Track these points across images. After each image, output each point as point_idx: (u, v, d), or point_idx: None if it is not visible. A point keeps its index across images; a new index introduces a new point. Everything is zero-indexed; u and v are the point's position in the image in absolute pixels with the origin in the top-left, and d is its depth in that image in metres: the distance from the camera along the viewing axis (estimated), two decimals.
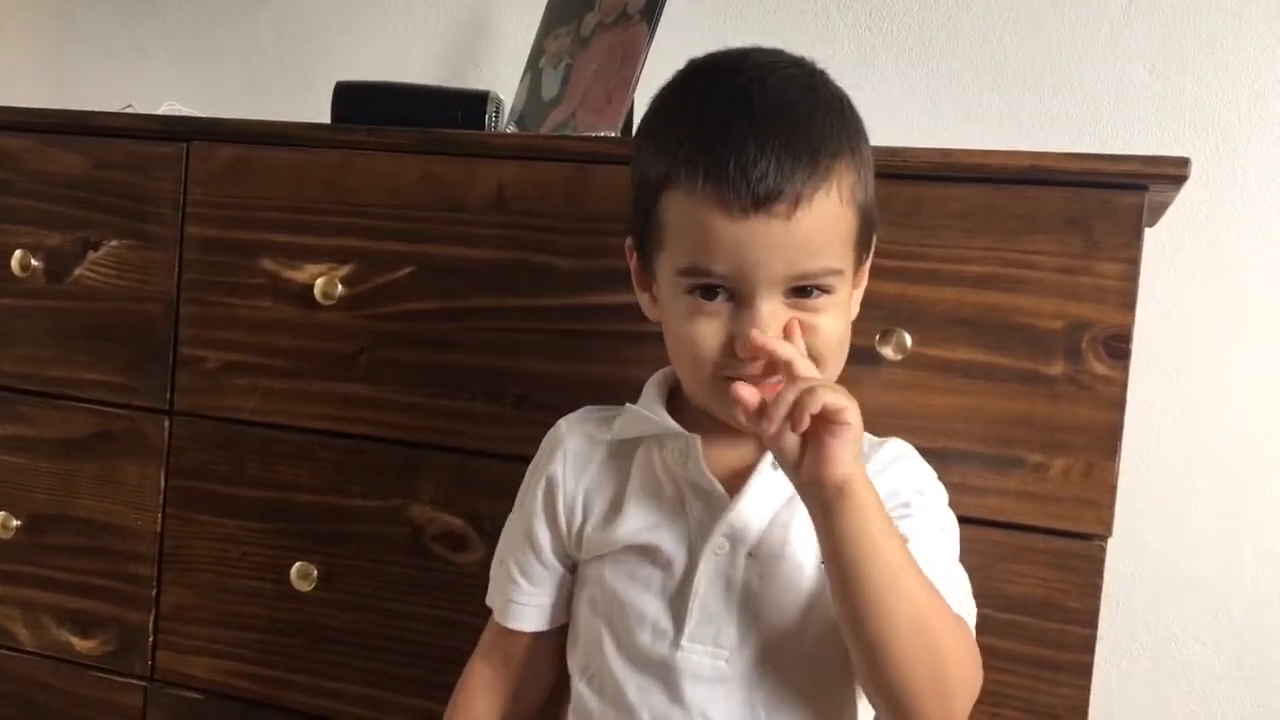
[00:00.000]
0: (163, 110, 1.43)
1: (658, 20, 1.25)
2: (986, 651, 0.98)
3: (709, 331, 0.81)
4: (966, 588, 0.85)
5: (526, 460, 1.09)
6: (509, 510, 1.09)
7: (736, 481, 0.85)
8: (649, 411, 0.88)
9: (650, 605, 0.85)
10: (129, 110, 1.38)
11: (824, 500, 0.75)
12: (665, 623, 0.85)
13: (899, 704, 0.76)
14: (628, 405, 0.90)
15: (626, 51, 1.25)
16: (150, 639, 1.23)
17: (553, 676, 0.96)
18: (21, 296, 1.27)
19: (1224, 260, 1.31)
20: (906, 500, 0.84)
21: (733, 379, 0.79)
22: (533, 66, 1.39)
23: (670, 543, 0.85)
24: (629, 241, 0.90)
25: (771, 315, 0.79)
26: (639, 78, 1.22)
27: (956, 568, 0.85)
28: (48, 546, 1.27)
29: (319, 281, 1.15)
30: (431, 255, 1.13)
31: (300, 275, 1.17)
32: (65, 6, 1.84)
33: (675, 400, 0.90)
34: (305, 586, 1.16)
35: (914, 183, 1.01)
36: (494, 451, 1.11)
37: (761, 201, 0.77)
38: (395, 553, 1.14)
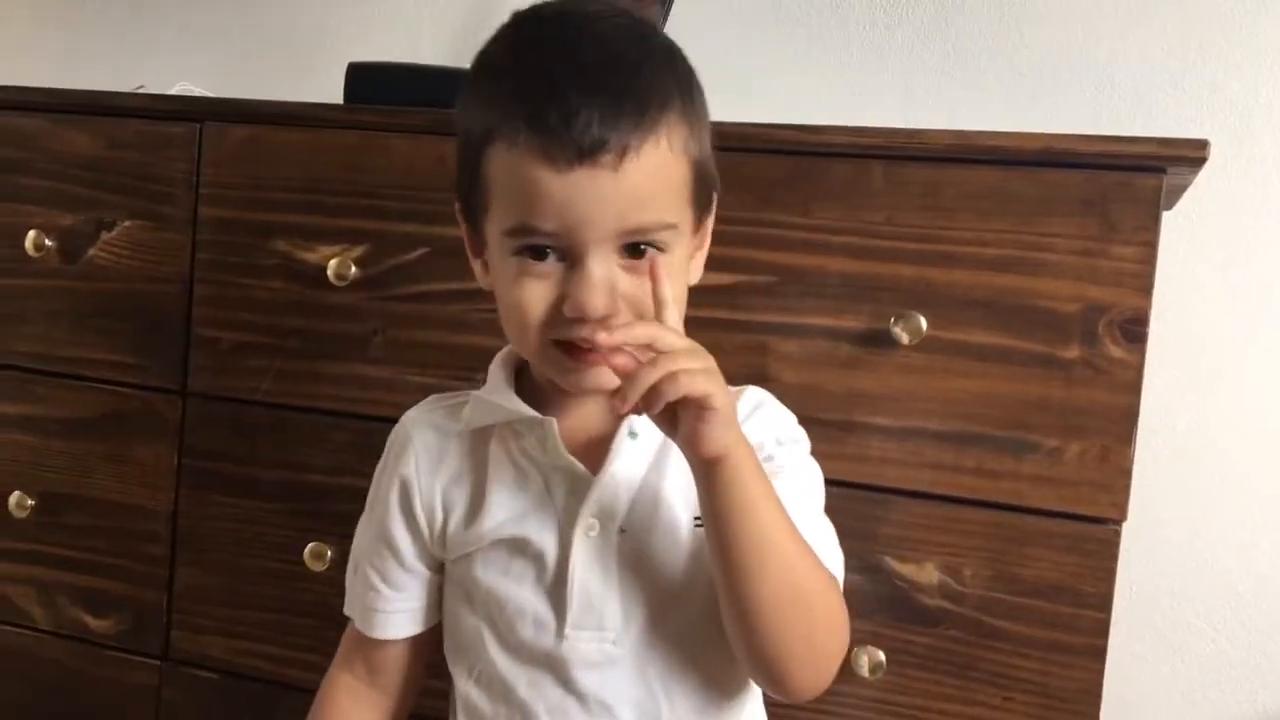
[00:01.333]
0: (175, 91, 1.43)
1: (670, 2, 1.25)
2: (1003, 635, 0.99)
3: (537, 293, 0.75)
4: (834, 540, 0.83)
5: None
6: None
7: (597, 453, 0.80)
8: (497, 397, 0.82)
9: (528, 599, 0.81)
10: (141, 90, 1.37)
11: (698, 468, 0.73)
12: (546, 614, 0.81)
13: (772, 668, 0.75)
14: (473, 392, 0.85)
15: None
16: (165, 618, 1.24)
17: (420, 677, 0.92)
18: (35, 277, 1.27)
19: (1242, 244, 1.30)
20: (769, 454, 0.81)
21: (561, 342, 0.75)
22: None
23: (539, 532, 0.81)
24: (457, 206, 0.83)
25: (604, 274, 0.73)
26: None
27: (823, 520, 0.83)
28: (62, 526, 1.28)
29: (332, 262, 1.15)
30: (445, 237, 1.13)
31: (313, 256, 1.17)
32: None
33: (523, 378, 0.85)
34: (319, 566, 1.16)
35: (930, 165, 1.00)
36: None
37: (586, 152, 0.71)
38: None
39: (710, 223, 0.82)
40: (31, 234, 1.25)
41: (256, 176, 1.19)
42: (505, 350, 0.88)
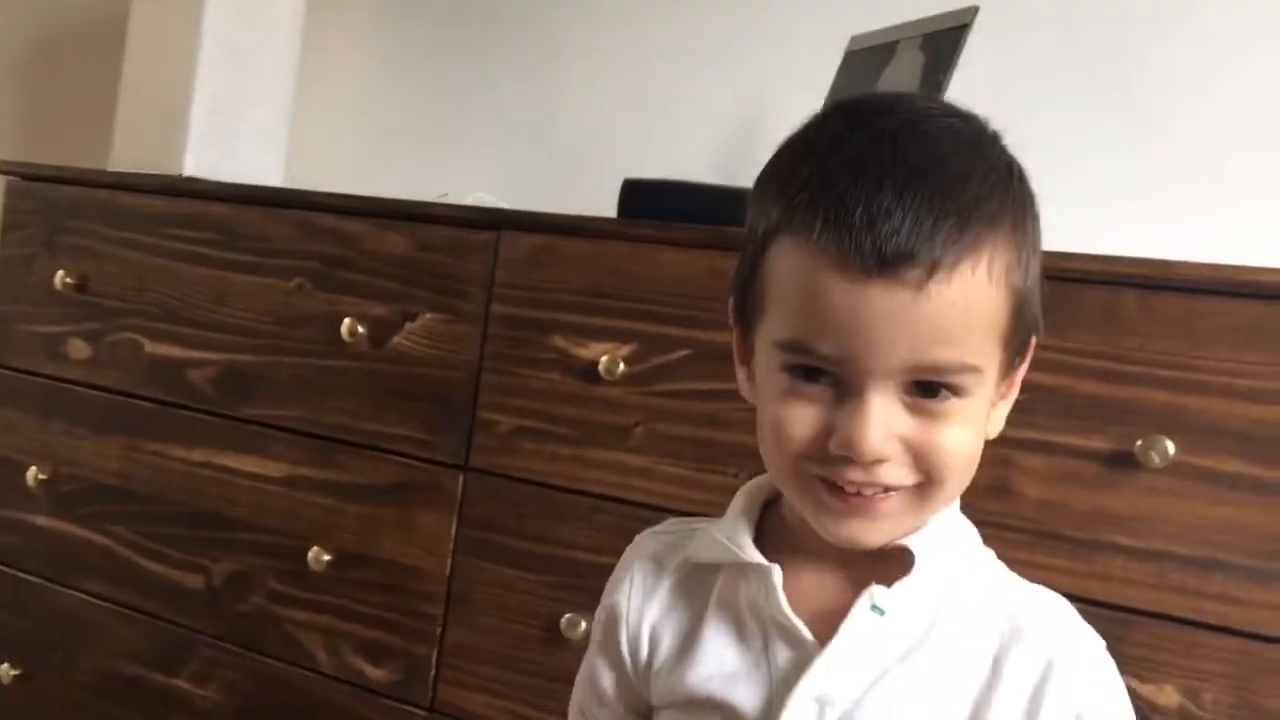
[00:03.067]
0: (471, 200, 1.61)
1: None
2: None
3: (802, 415, 0.65)
4: None
5: None
6: None
7: (835, 622, 0.69)
8: (727, 533, 0.73)
9: None
10: (444, 199, 1.56)
11: None
12: None
13: None
14: (704, 522, 0.77)
15: None
16: (434, 672, 1.37)
17: None
18: (346, 358, 1.45)
19: None
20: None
21: (823, 479, 0.66)
22: None
23: (748, 698, 0.70)
24: (731, 305, 0.73)
25: (886, 412, 0.63)
26: None
27: None
28: (351, 581, 1.43)
29: (603, 359, 1.27)
30: (707, 341, 1.23)
31: (587, 352, 1.29)
32: (385, 103, 2.09)
33: (769, 515, 0.75)
34: (573, 635, 1.26)
35: (1184, 295, 1.03)
36: None
37: (888, 261, 0.60)
38: None
39: (1024, 370, 0.72)
40: (347, 321, 1.43)
41: (542, 279, 1.33)
42: (758, 480, 0.77)
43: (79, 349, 1.66)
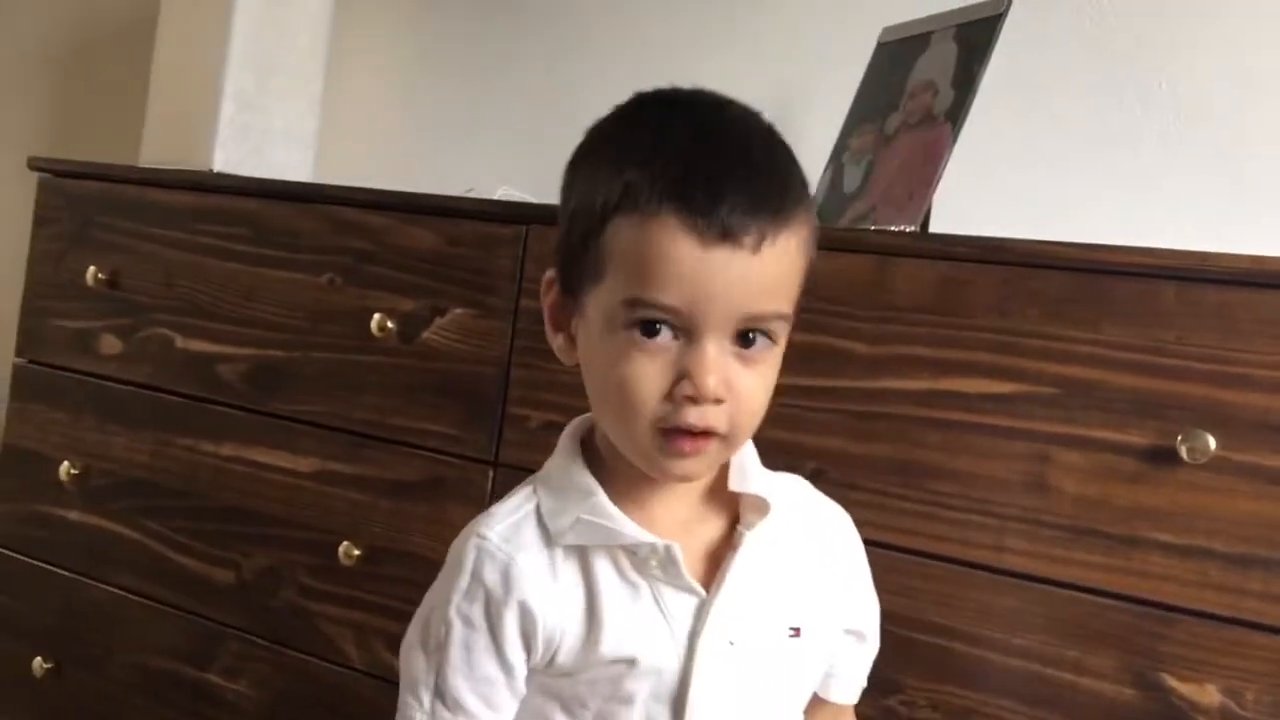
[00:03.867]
0: (499, 194, 1.60)
1: (963, 123, 1.31)
2: None
3: (650, 372, 0.75)
4: None
5: None
6: None
7: (690, 545, 0.82)
8: (606, 519, 0.80)
9: (642, 716, 0.80)
10: (471, 193, 1.55)
11: None
12: None
13: None
14: (538, 497, 0.84)
15: (929, 151, 1.32)
16: None
17: None
18: (376, 354, 1.45)
19: None
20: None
21: (667, 430, 0.76)
22: (835, 160, 1.48)
23: (654, 653, 0.80)
24: (549, 276, 0.84)
25: (718, 357, 0.74)
26: (940, 176, 1.28)
27: None
28: (381, 576, 1.43)
29: None
30: None
31: None
32: (413, 98, 2.09)
33: (591, 460, 0.85)
34: None
35: (1222, 287, 1.02)
36: None
37: (730, 232, 0.72)
38: None
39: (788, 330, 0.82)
40: (376, 316, 1.43)
41: None
42: (571, 435, 0.87)
43: (110, 344, 1.67)
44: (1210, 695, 1.00)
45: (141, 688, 1.61)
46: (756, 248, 0.73)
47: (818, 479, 1.16)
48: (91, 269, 1.67)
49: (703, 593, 0.81)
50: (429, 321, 1.42)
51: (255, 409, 1.54)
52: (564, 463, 0.85)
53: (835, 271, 1.18)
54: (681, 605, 0.81)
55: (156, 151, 1.84)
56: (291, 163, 1.86)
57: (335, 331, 1.48)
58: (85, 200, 1.72)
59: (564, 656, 0.81)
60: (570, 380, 1.31)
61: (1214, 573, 1.01)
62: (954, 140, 1.32)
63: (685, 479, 0.81)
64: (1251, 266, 1.01)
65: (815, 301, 1.18)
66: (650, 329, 0.75)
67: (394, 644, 1.42)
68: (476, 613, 0.81)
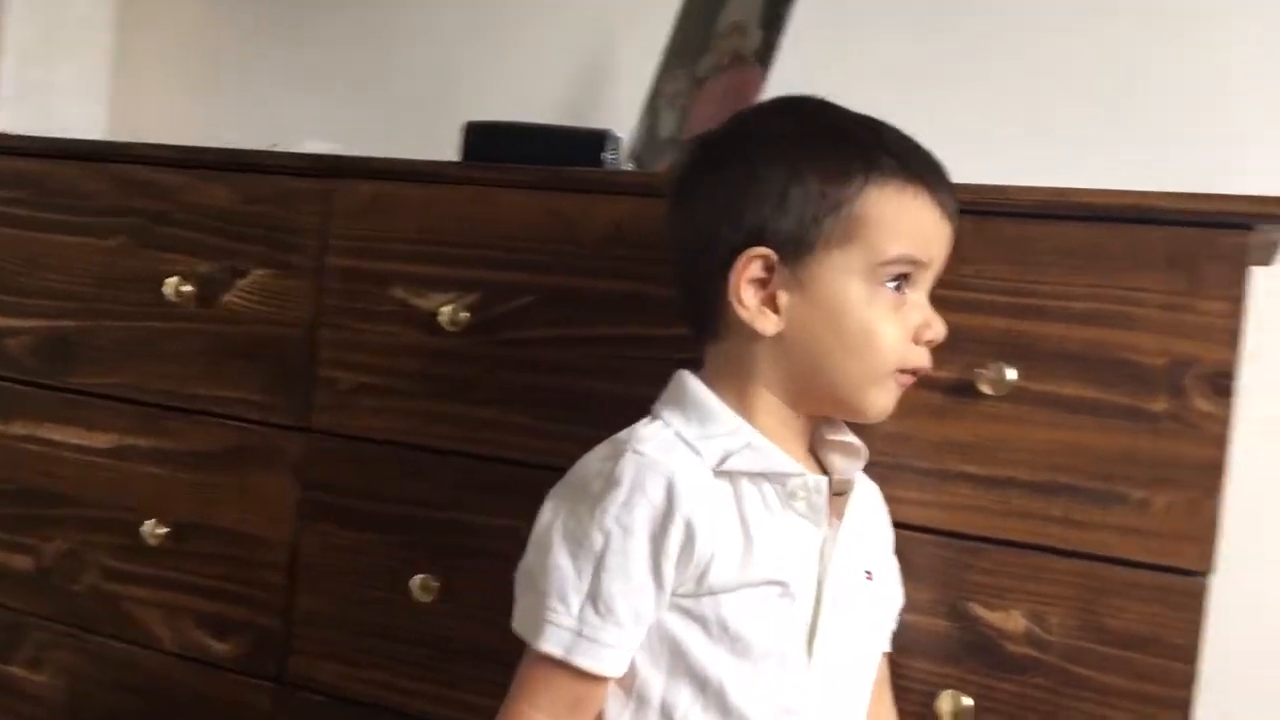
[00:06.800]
0: (305, 147, 1.52)
1: (771, 63, 1.30)
2: (1088, 685, 1.00)
3: (895, 319, 0.89)
4: None
5: None
6: None
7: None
8: (769, 452, 0.89)
9: (779, 642, 0.88)
10: (275, 148, 1.47)
11: None
12: (797, 658, 0.89)
13: None
14: (742, 435, 0.90)
15: (740, 93, 1.30)
16: (282, 643, 1.31)
17: None
18: (173, 319, 1.37)
19: None
20: None
21: (902, 371, 0.90)
22: (651, 106, 1.45)
23: (799, 577, 0.89)
24: (755, 253, 0.89)
25: None
26: None
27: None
28: (189, 553, 1.36)
29: (445, 309, 1.22)
30: (552, 286, 1.19)
31: (428, 303, 1.24)
32: (214, 48, 1.97)
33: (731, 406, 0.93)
34: (426, 598, 1.22)
35: (1020, 220, 1.03)
36: None
37: (953, 213, 0.91)
38: (511, 569, 1.18)
39: None
40: (172, 280, 1.35)
41: (378, 229, 1.27)
42: (695, 385, 0.94)
43: None
44: (1016, 621, 1.03)
45: None
46: (954, 225, 0.92)
47: None
48: None
49: (829, 528, 0.91)
50: (229, 284, 1.34)
51: (46, 384, 1.44)
52: (698, 400, 0.92)
53: (655, 218, 1.16)
54: (812, 538, 0.90)
55: None
56: (83, 119, 1.74)
57: (128, 298, 1.39)
58: None
59: (717, 574, 0.86)
60: (382, 340, 1.27)
61: (1017, 501, 1.03)
62: (765, 81, 1.31)
63: (884, 416, 0.92)
64: (1048, 199, 1.02)
65: (638, 250, 1.16)
66: (899, 283, 0.89)
67: (206, 623, 1.36)
68: (638, 522, 0.85)
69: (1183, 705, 0.98)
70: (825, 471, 0.96)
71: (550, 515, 0.90)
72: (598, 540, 0.85)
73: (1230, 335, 0.97)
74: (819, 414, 0.95)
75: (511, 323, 1.21)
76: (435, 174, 1.25)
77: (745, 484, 0.89)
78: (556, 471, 1.17)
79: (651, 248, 1.15)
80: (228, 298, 1.34)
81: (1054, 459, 1.02)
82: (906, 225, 0.88)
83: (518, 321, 1.21)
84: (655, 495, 0.85)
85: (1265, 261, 1.21)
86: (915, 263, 0.89)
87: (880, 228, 0.87)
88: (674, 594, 0.87)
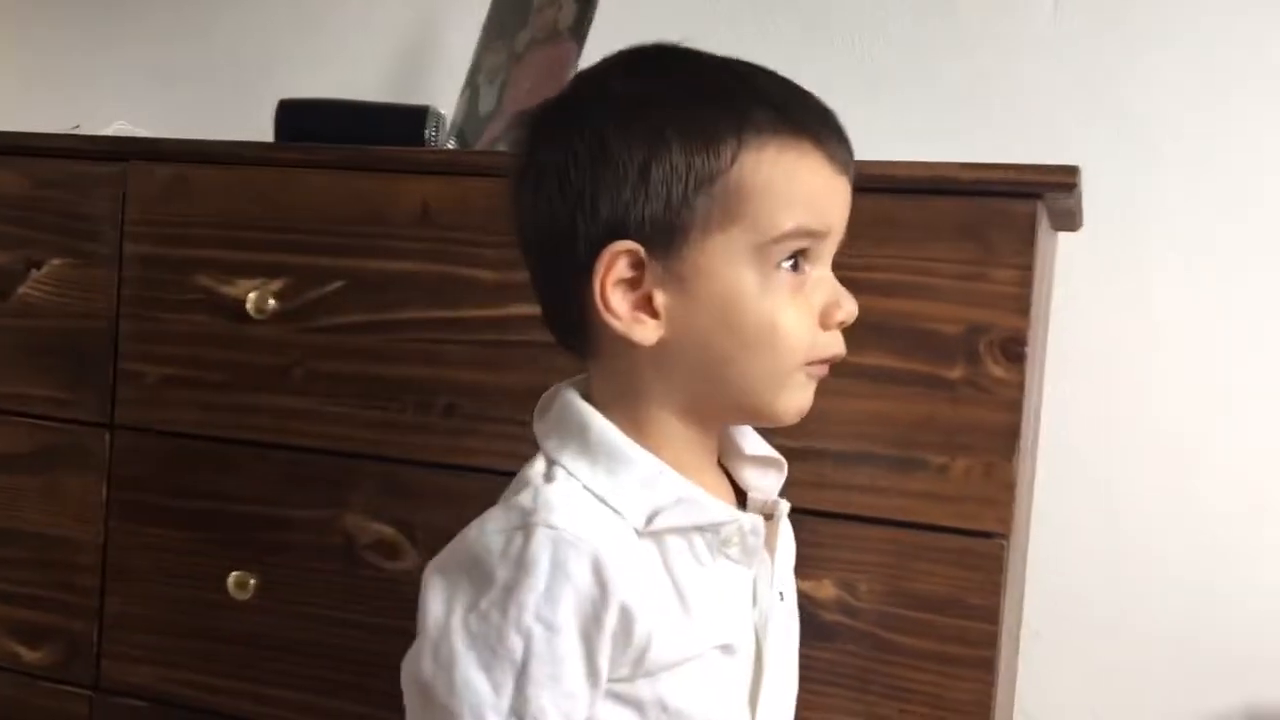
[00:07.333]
0: (111, 130, 1.46)
1: (585, 36, 1.28)
2: (896, 649, 1.02)
3: (800, 304, 0.74)
4: None
5: (457, 469, 1.13)
6: (441, 519, 1.12)
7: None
8: (698, 498, 0.75)
9: (722, 705, 0.77)
10: (77, 131, 1.41)
11: None
12: (740, 716, 0.78)
13: None
14: (667, 484, 0.74)
15: (554, 68, 1.28)
16: (95, 649, 1.26)
17: None
18: None
19: (1141, 263, 1.34)
20: None
21: (811, 363, 0.76)
22: (471, 81, 1.42)
23: (740, 630, 0.78)
24: (618, 248, 0.73)
25: None
26: None
27: None
28: None
29: (251, 296, 1.17)
30: (360, 270, 1.16)
31: (234, 290, 1.19)
32: (19, 28, 1.87)
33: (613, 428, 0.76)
34: (242, 595, 1.18)
35: None
36: (424, 460, 1.14)
37: (846, 164, 0.76)
38: (330, 561, 1.17)
39: None
40: None
41: (179, 214, 1.22)
42: (586, 411, 0.77)
43: None
44: (827, 590, 1.04)
45: None
46: (850, 179, 0.77)
47: (451, 414, 1.14)
48: None
49: (768, 560, 0.80)
50: (24, 275, 1.28)
51: None
52: (604, 440, 0.75)
53: (459, 198, 1.14)
54: (744, 581, 0.79)
55: None
56: None
57: None
58: None
59: (657, 653, 0.72)
60: (187, 330, 1.22)
61: (826, 472, 1.04)
62: (579, 55, 1.29)
63: (801, 416, 0.79)
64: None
65: (437, 230, 1.14)
66: (796, 261, 0.74)
67: (16, 631, 1.30)
68: (565, 617, 0.69)
69: (987, 664, 1.00)
70: (734, 484, 0.84)
71: (443, 608, 0.71)
72: (517, 645, 0.69)
73: (1021, 302, 0.98)
74: (727, 424, 0.82)
75: (321, 309, 1.17)
76: (234, 156, 1.21)
77: (672, 539, 0.75)
78: (370, 461, 1.16)
79: (461, 228, 1.13)
80: (23, 290, 1.28)
81: (859, 429, 1.02)
82: (797, 191, 0.72)
83: (327, 307, 1.17)
84: (582, 580, 0.69)
85: (1071, 227, 1.25)
86: (812, 234, 0.74)
87: (765, 199, 0.72)
88: (613, 680, 0.73)
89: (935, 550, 1.01)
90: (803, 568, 1.04)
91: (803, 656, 1.03)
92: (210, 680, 1.22)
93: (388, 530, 1.15)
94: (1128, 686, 1.34)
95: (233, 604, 1.19)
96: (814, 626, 1.04)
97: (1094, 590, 1.35)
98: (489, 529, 0.73)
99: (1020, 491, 1.04)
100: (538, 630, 0.69)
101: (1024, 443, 1.02)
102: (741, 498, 0.84)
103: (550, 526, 0.70)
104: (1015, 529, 1.02)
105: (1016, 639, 1.31)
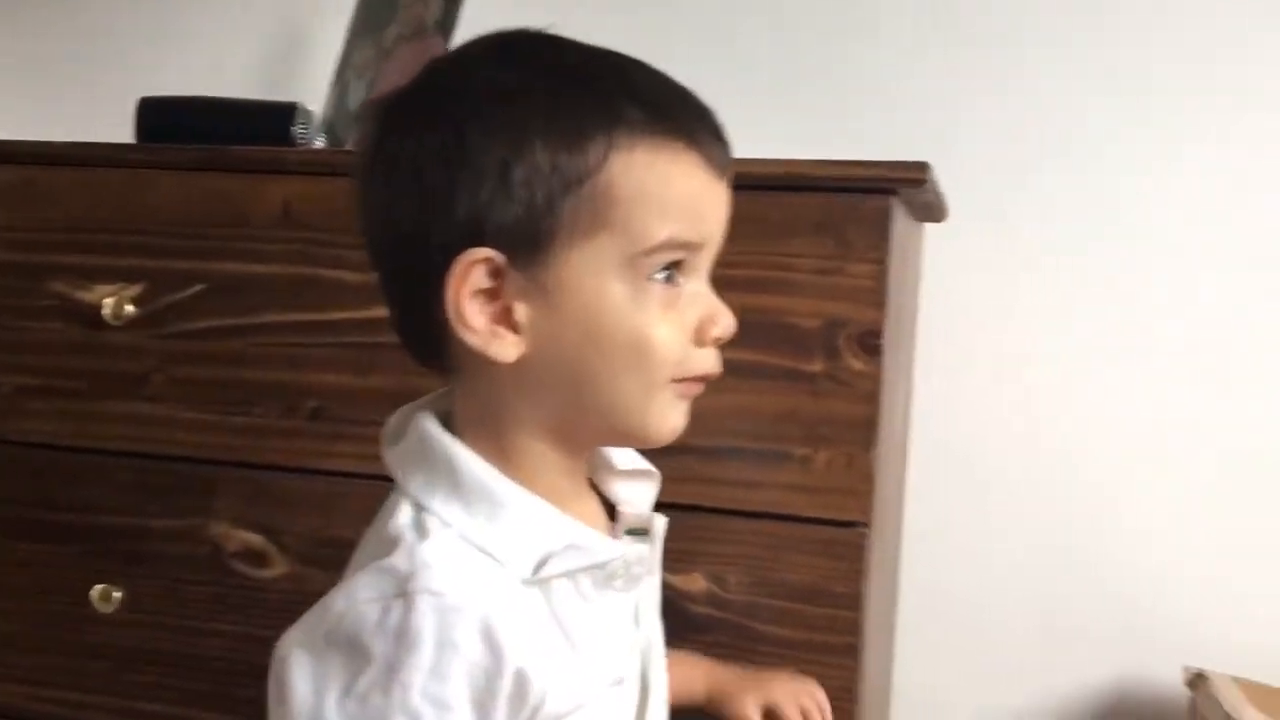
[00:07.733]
0: None
1: (452, 32, 1.27)
2: (766, 639, 1.04)
3: (673, 318, 0.69)
4: None
5: (325, 474, 1.11)
6: (309, 525, 1.11)
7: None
8: (585, 539, 0.70)
9: None
10: None
11: None
12: None
13: None
14: (552, 527, 0.69)
15: (421, 64, 1.26)
16: None
17: None
18: None
19: (1007, 255, 1.37)
20: None
21: (682, 381, 0.71)
22: (341, 77, 1.40)
23: (628, 661, 0.74)
24: (475, 255, 0.66)
25: None
26: None
27: None
28: None
29: (108, 302, 1.14)
30: (220, 273, 1.13)
31: (90, 296, 1.16)
32: None
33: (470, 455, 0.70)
34: (107, 608, 1.16)
35: None
36: (291, 466, 1.12)
37: (725, 166, 0.70)
38: (196, 571, 1.15)
39: None
40: None
41: (29, 218, 1.18)
42: (446, 440, 0.70)
43: None
44: (697, 583, 1.05)
45: None
46: (729, 182, 0.71)
47: (318, 418, 1.12)
48: None
49: (647, 579, 0.77)
50: None
51: None
52: (473, 479, 0.68)
53: (321, 198, 1.12)
54: (627, 607, 0.75)
55: None
56: None
57: None
58: None
59: (552, 707, 0.66)
60: (42, 338, 1.18)
61: (695, 467, 1.04)
62: (445, 51, 1.27)
63: (676, 436, 0.73)
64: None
65: (298, 232, 1.12)
66: (670, 274, 0.68)
67: None
68: (456, 692, 0.62)
69: (852, 651, 1.02)
70: (603, 498, 0.79)
71: (309, 687, 0.63)
72: None
73: (878, 296, 1.00)
74: (599, 446, 0.77)
75: (179, 313, 1.15)
76: (86, 157, 1.17)
77: (557, 582, 0.69)
78: (235, 468, 1.14)
79: (323, 229, 1.11)
80: None
81: (723, 423, 1.03)
82: (671, 198, 0.67)
83: (186, 312, 1.15)
84: (471, 650, 0.62)
85: (935, 218, 1.27)
86: (688, 246, 0.68)
87: (637, 205, 0.66)
88: None
89: (801, 541, 1.02)
90: (672, 562, 1.04)
91: (673, 649, 1.05)
92: (80, 697, 1.19)
93: (255, 538, 1.13)
94: (1004, 669, 1.38)
95: (99, 617, 1.16)
96: (684, 619, 1.05)
97: (968, 576, 1.39)
98: (360, 598, 0.63)
99: (883, 481, 1.06)
100: (427, 710, 0.61)
101: (884, 434, 1.04)
102: (611, 511, 0.80)
103: (432, 593, 0.62)
104: (879, 518, 1.04)
105: (891, 626, 1.34)
